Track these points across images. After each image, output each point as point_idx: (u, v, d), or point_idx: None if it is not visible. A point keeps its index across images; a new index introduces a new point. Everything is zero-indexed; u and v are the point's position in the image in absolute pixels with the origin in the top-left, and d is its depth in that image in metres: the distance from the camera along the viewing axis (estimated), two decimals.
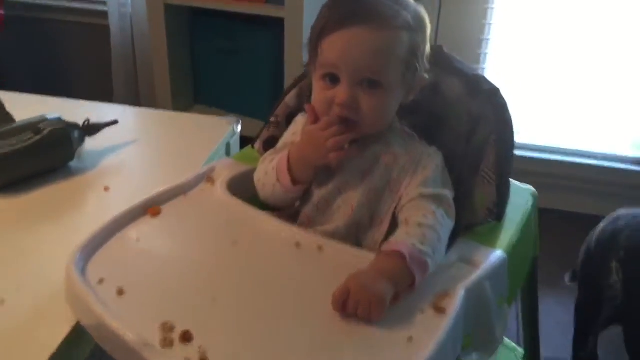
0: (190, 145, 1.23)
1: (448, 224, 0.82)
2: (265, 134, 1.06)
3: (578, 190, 2.18)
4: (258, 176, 0.93)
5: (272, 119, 1.06)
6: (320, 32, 0.85)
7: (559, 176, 2.15)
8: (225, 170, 0.99)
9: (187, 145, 1.23)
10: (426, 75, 0.89)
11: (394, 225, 0.85)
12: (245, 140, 1.16)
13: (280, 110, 1.06)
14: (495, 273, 0.80)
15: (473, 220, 0.89)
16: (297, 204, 0.94)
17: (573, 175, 2.17)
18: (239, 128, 1.29)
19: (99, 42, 2.40)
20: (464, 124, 0.95)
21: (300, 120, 0.97)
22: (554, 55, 2.08)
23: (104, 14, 2.33)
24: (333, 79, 0.84)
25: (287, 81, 1.91)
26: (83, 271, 0.78)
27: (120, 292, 0.75)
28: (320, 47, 0.85)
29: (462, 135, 0.95)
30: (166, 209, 0.91)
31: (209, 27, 2.09)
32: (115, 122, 1.19)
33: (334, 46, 0.83)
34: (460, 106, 0.95)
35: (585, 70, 2.08)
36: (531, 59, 2.11)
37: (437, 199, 0.83)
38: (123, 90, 2.38)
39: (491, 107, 0.92)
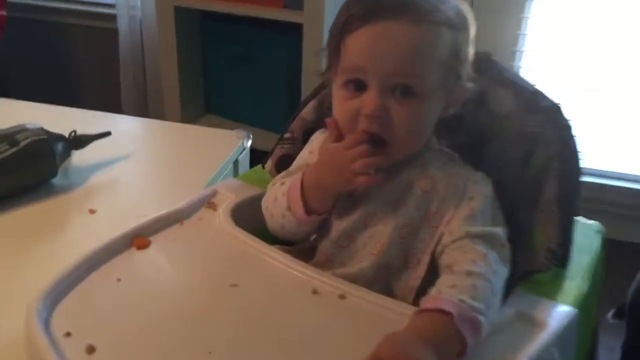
0: (192, 163, 1.08)
1: (502, 272, 0.66)
2: (278, 152, 0.91)
3: (622, 217, 2.00)
4: (266, 203, 0.79)
5: (287, 135, 0.91)
6: (342, 29, 0.71)
7: (600, 201, 1.97)
8: (230, 194, 0.84)
9: (188, 163, 1.08)
10: (470, 85, 0.74)
11: (432, 269, 0.70)
12: (258, 156, 1.01)
13: (296, 124, 0.91)
14: (564, 335, 0.63)
15: (532, 265, 0.74)
16: (313, 237, 0.78)
17: (617, 201, 1.99)
18: (249, 143, 1.14)
19: (106, 47, 2.29)
20: (517, 146, 0.79)
21: (318, 138, 0.82)
22: (597, 69, 1.91)
23: (112, 17, 2.21)
24: (359, 86, 0.71)
25: (305, 92, 1.79)
26: (47, 322, 0.63)
27: (91, 350, 0.60)
28: (343, 47, 0.71)
29: (515, 160, 0.79)
30: (157, 240, 0.76)
31: (222, 32, 1.99)
32: (107, 134, 1.04)
33: (359, 45, 0.69)
34: (513, 124, 0.79)
35: (634, 83, 1.90)
36: (570, 72, 1.94)
37: (488, 239, 0.67)
38: (131, 98, 2.27)
39: (552, 128, 0.77)
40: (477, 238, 0.67)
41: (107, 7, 2.30)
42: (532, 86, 0.79)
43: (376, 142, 0.70)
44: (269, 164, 0.92)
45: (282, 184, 0.78)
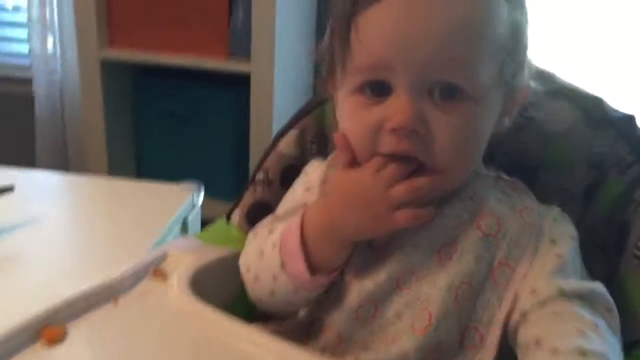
0: (126, 225, 0.84)
1: (618, 348, 0.44)
2: (249, 199, 0.69)
3: None
4: (247, 261, 0.57)
5: (259, 176, 0.70)
6: (352, 8, 0.51)
7: None
8: (186, 257, 0.60)
9: (121, 225, 0.84)
10: (532, 83, 0.55)
11: (504, 348, 0.49)
12: (204, 225, 0.77)
13: (272, 162, 0.69)
14: None
15: (635, 334, 0.51)
16: (312, 307, 0.56)
17: None
18: (201, 198, 0.89)
19: (21, 114, 2.02)
20: (579, 176, 0.60)
21: (316, 169, 0.62)
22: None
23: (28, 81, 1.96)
24: (380, 89, 0.52)
25: (254, 152, 1.59)
26: None
27: None
28: (354, 34, 0.51)
29: (574, 195, 0.61)
30: (76, 329, 0.50)
31: (157, 88, 1.77)
32: (9, 189, 0.77)
33: (380, 27, 0.50)
34: (572, 146, 0.60)
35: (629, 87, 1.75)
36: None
37: (588, 299, 0.48)
38: (49, 165, 1.99)
39: (626, 146, 0.57)
40: (576, 298, 0.46)
41: (22, 70, 2.05)
42: (592, 94, 0.60)
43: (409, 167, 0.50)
44: (237, 214, 0.68)
45: (271, 231, 0.54)
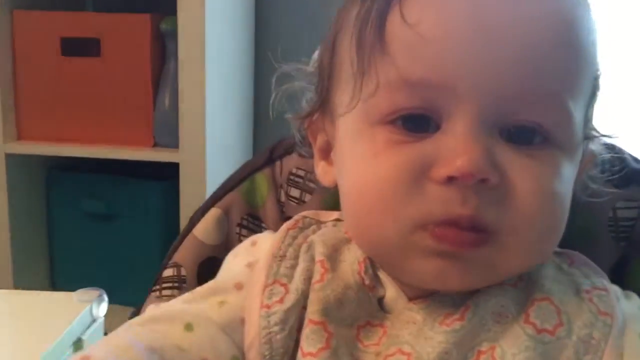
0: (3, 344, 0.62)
1: None
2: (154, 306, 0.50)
3: None
4: None
5: (167, 272, 0.55)
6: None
7: None
8: None
9: None
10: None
11: None
12: None
13: (185, 253, 0.54)
14: None
15: None
16: None
17: None
18: (103, 309, 0.71)
19: None
20: (604, 246, 0.45)
21: (266, 240, 0.47)
22: None
23: None
24: (421, 123, 0.37)
25: None
26: None
27: None
28: (387, 25, 0.37)
29: (604, 265, 0.45)
30: None
31: (73, 185, 1.61)
32: None
33: (445, 21, 0.35)
34: (591, 208, 0.44)
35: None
36: None
37: None
38: None
39: None
40: None
41: None
42: (607, 142, 0.46)
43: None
44: None
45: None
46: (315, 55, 0.45)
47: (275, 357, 0.41)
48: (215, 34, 1.37)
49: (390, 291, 0.42)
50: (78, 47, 1.39)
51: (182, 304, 0.43)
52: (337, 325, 0.40)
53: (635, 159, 0.46)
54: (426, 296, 0.40)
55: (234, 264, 0.46)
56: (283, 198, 0.53)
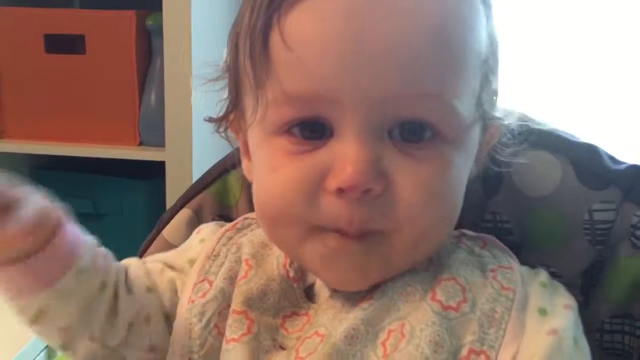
0: None
1: None
2: None
3: None
4: None
5: None
6: (272, 7, 0.37)
7: None
8: None
9: None
10: (502, 118, 0.43)
11: None
12: None
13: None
14: None
15: None
16: None
17: None
18: None
19: None
20: (578, 249, 0.45)
21: (209, 227, 0.50)
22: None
23: None
24: (314, 128, 0.39)
25: None
26: None
27: None
28: (278, 44, 0.37)
29: (573, 276, 0.46)
30: None
31: (59, 184, 1.56)
32: None
33: (321, 35, 0.36)
34: (565, 210, 0.46)
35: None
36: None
37: None
38: None
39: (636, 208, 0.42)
40: None
41: None
42: (584, 141, 0.45)
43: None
44: None
45: None
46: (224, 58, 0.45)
47: (193, 348, 0.43)
48: (202, 30, 1.36)
49: (317, 282, 0.45)
50: (62, 44, 1.37)
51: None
52: (259, 314, 0.43)
53: (613, 159, 0.45)
54: None
55: (191, 242, 0.49)
56: None
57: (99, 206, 1.54)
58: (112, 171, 1.51)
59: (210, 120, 0.46)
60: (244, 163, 0.48)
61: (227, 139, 0.48)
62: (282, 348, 0.42)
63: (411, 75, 0.36)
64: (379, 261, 0.40)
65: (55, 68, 1.37)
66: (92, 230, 1.63)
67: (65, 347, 0.44)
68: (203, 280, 0.45)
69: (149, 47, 1.39)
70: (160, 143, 1.38)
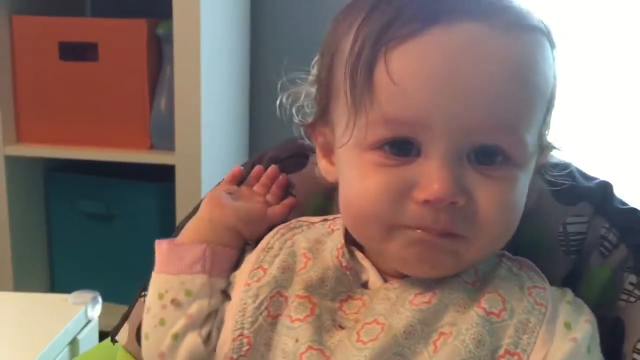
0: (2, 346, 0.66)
1: None
2: (139, 312, 0.55)
3: None
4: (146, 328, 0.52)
5: None
6: (377, 41, 0.43)
7: None
8: None
9: None
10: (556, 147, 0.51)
11: None
12: None
13: None
14: None
15: None
16: None
17: None
18: (96, 311, 0.74)
19: None
20: (556, 260, 0.53)
21: None
22: None
23: None
24: (403, 147, 0.45)
25: None
26: None
27: None
28: (384, 75, 0.43)
29: (554, 283, 0.51)
30: None
31: (73, 186, 1.62)
32: None
33: (423, 70, 0.43)
34: (543, 225, 0.53)
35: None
36: None
37: None
38: None
39: (608, 222, 0.52)
40: None
41: None
42: (560, 160, 0.50)
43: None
44: (125, 332, 0.53)
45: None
46: (314, 70, 0.51)
47: (245, 324, 0.49)
48: (211, 37, 1.40)
49: (371, 275, 0.50)
50: (76, 52, 1.41)
51: None
52: (319, 298, 0.49)
53: (585, 176, 0.50)
54: (399, 279, 0.49)
55: None
56: None
57: (111, 208, 1.58)
58: (124, 174, 1.55)
59: (299, 124, 0.53)
60: (323, 164, 0.54)
61: (305, 138, 0.56)
62: (342, 327, 0.48)
63: (494, 110, 0.42)
64: (453, 259, 0.46)
65: (69, 75, 1.42)
66: (104, 231, 1.67)
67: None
68: (258, 268, 0.52)
69: (159, 54, 1.43)
70: (170, 147, 1.42)
